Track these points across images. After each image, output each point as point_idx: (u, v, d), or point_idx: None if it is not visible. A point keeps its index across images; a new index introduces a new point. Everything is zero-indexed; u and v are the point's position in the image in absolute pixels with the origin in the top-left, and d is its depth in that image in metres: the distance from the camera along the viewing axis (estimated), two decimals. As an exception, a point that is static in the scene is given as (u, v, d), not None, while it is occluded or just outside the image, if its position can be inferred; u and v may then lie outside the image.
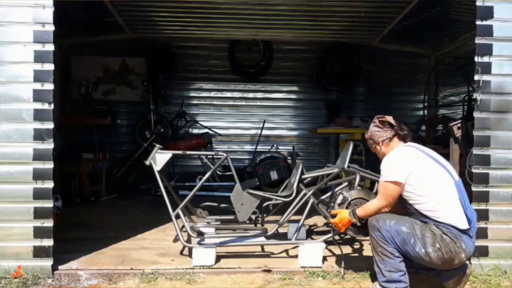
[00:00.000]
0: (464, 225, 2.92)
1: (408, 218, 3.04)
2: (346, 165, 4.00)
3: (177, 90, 8.56)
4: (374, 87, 8.71)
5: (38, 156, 3.49)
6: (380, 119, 3.30)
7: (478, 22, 3.71)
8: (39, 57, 3.50)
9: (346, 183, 3.96)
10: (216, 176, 7.41)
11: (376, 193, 3.94)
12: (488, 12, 3.70)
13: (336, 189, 3.91)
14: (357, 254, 4.06)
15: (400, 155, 3.11)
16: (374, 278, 3.48)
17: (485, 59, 3.71)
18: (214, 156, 7.12)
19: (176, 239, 4.04)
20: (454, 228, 2.91)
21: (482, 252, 3.72)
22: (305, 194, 3.85)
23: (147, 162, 3.87)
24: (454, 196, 2.96)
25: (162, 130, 7.94)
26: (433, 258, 2.92)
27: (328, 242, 3.87)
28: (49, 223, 3.51)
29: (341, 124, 7.44)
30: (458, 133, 4.54)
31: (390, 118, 3.29)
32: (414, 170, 2.99)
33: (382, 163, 3.14)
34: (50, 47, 3.52)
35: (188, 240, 4.01)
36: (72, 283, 3.41)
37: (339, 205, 3.44)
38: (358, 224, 3.24)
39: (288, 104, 8.82)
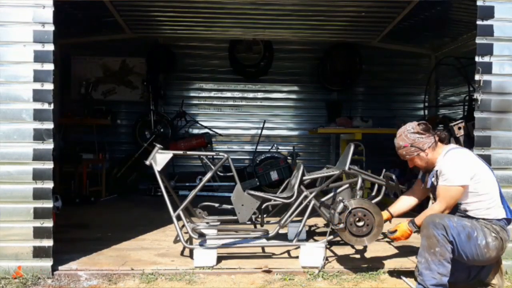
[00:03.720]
0: (509, 215, 3.08)
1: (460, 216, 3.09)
2: (347, 167, 3.98)
3: (177, 90, 8.55)
4: (374, 87, 8.71)
5: (38, 156, 3.48)
6: (420, 125, 3.25)
7: (478, 22, 3.71)
8: (39, 57, 3.49)
9: (347, 185, 3.94)
10: (216, 176, 7.40)
11: (374, 197, 3.94)
12: (488, 12, 3.70)
13: (338, 191, 3.90)
14: (357, 255, 4.05)
15: (462, 159, 3.11)
16: (374, 278, 3.48)
17: (486, 59, 3.71)
18: (215, 157, 7.12)
19: (176, 240, 4.03)
20: (501, 220, 3.05)
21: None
22: (306, 196, 3.84)
23: (147, 162, 3.86)
24: (499, 192, 3.12)
25: (162, 130, 7.95)
26: (491, 248, 2.98)
27: (328, 243, 3.85)
28: (49, 223, 3.50)
29: (342, 124, 7.44)
30: (459, 133, 4.54)
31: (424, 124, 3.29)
32: (477, 172, 3.06)
33: (445, 167, 3.09)
34: (50, 47, 3.51)
35: (188, 241, 4.00)
36: (72, 284, 3.40)
37: (340, 214, 3.41)
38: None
39: (289, 104, 8.81)
